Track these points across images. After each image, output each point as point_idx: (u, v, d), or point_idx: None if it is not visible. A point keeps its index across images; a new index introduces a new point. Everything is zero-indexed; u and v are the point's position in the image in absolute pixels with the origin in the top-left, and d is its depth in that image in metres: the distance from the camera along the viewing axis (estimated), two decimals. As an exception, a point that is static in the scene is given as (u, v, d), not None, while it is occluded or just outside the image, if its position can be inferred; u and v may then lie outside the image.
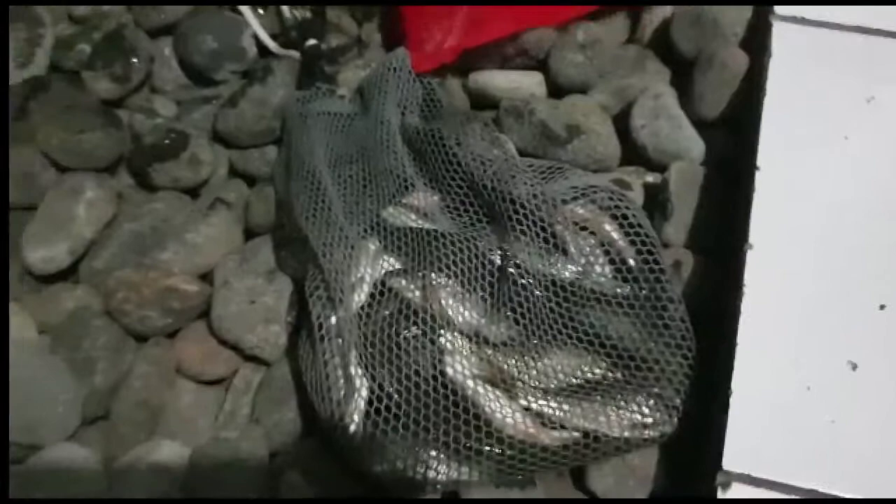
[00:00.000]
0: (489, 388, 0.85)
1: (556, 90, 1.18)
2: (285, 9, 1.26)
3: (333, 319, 0.88)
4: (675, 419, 0.86)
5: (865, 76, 0.99)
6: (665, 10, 1.23)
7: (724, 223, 1.01)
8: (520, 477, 0.85)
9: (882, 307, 0.84)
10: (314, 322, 0.88)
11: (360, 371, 0.86)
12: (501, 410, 0.84)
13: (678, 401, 0.87)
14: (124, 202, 1.14)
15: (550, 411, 0.85)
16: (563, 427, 0.85)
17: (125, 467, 0.90)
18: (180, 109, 1.24)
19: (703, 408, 0.87)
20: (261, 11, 1.28)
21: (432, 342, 0.87)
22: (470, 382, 0.85)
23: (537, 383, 0.87)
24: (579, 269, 0.92)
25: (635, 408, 0.86)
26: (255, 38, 1.25)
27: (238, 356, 1.01)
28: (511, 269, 0.90)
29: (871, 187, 0.91)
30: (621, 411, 0.86)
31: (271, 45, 1.24)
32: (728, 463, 0.76)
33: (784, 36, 1.02)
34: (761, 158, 0.93)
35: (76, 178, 1.11)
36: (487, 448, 0.83)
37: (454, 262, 0.90)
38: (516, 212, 0.91)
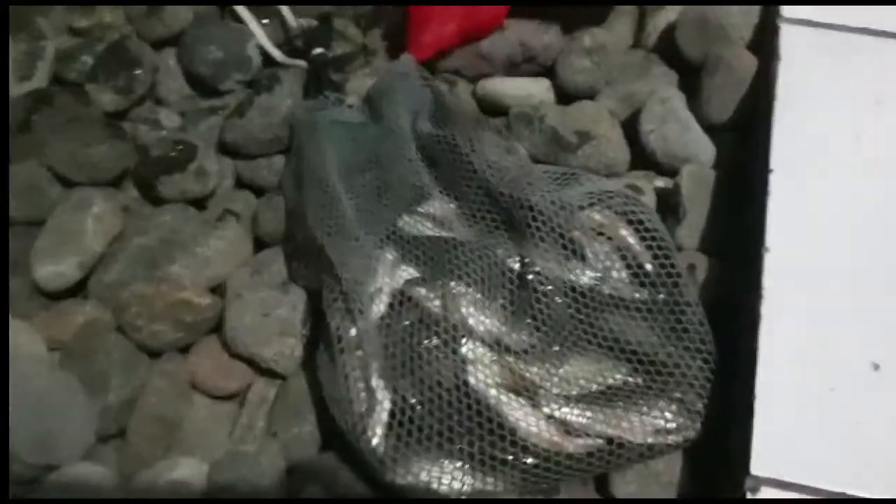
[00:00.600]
0: (513, 396, 0.85)
1: (564, 96, 1.18)
2: (290, 18, 1.25)
3: (353, 331, 0.87)
4: (698, 424, 0.86)
5: (874, 78, 0.99)
6: (669, 15, 1.23)
7: (735, 226, 1.02)
8: (545, 486, 0.85)
9: (903, 307, 0.84)
10: (333, 334, 0.87)
11: (381, 383, 0.85)
12: (526, 419, 0.83)
13: (700, 405, 0.86)
14: (130, 216, 1.13)
15: (574, 419, 0.85)
16: (586, 434, 0.84)
17: (144, 485, 0.88)
18: (185, 121, 1.23)
19: (723, 411, 0.87)
20: (264, 21, 1.28)
21: (454, 352, 0.86)
22: (493, 391, 0.85)
23: (559, 391, 0.87)
24: (597, 274, 0.92)
25: (658, 413, 0.86)
26: (260, 47, 1.24)
27: (252, 370, 1.00)
28: (530, 277, 0.90)
29: (886, 188, 0.91)
30: (644, 417, 0.85)
31: (276, 54, 1.23)
32: (756, 467, 0.76)
33: (792, 38, 1.03)
34: (774, 161, 0.94)
35: (84, 192, 1.09)
36: (513, 458, 0.83)
37: (474, 270, 0.90)
38: (534, 218, 0.91)
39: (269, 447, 0.91)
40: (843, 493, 0.75)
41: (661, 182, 1.10)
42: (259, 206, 1.13)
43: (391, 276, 0.92)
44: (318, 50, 1.19)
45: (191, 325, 0.99)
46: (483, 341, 0.88)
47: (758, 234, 0.90)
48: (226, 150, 1.18)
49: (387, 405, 0.85)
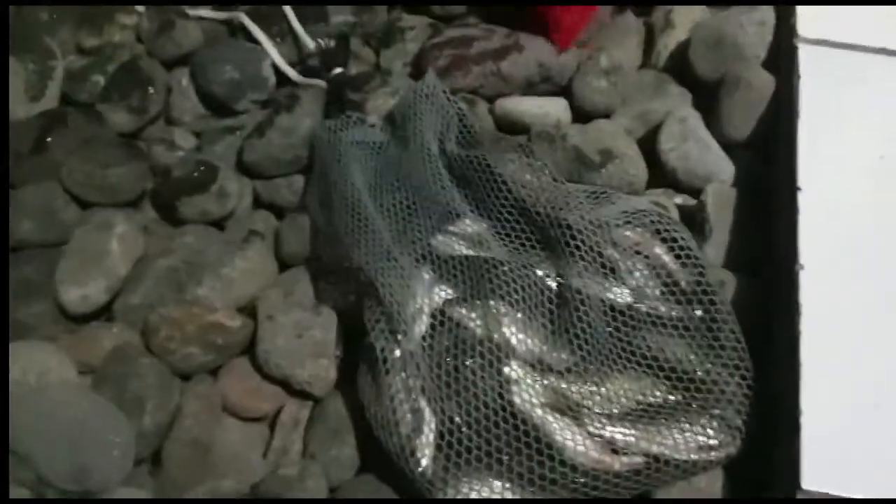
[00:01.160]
0: (557, 416, 0.85)
1: (581, 115, 1.20)
2: (305, 37, 1.25)
3: (398, 352, 0.87)
4: (738, 440, 0.87)
5: (893, 97, 1.02)
6: (679, 34, 1.26)
7: (758, 242, 1.03)
8: (590, 504, 0.85)
9: (937, 321, 0.86)
10: (378, 356, 0.87)
11: (427, 404, 0.85)
12: (573, 438, 0.84)
13: (739, 421, 0.88)
14: (151, 237, 1.11)
15: (618, 437, 0.85)
16: (631, 452, 0.85)
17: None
18: (201, 141, 1.22)
19: (761, 427, 0.88)
20: (278, 40, 1.27)
21: (498, 372, 0.86)
22: (539, 411, 0.85)
23: (602, 409, 0.88)
24: (634, 292, 0.93)
25: (700, 430, 0.87)
26: (275, 67, 1.24)
27: (284, 391, 0.99)
28: (569, 296, 0.91)
29: (913, 205, 0.93)
30: (687, 434, 0.86)
31: (292, 73, 1.23)
32: (807, 483, 0.77)
33: (811, 58, 1.05)
34: (802, 180, 0.95)
35: (105, 214, 1.09)
36: (561, 477, 0.83)
37: (514, 289, 0.90)
38: (573, 237, 0.92)
39: (310, 469, 0.90)
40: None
41: (679, 199, 1.11)
42: (282, 226, 1.12)
43: (429, 296, 0.92)
44: (338, 69, 1.19)
45: (221, 347, 0.99)
46: (525, 361, 0.88)
47: (790, 252, 0.92)
48: (244, 170, 1.18)
49: (434, 426, 0.85)
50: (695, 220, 1.06)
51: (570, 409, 0.86)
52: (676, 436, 0.86)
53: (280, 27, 1.29)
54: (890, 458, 0.79)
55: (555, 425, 0.85)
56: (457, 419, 0.85)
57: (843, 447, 0.79)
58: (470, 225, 0.98)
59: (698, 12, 1.26)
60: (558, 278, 0.93)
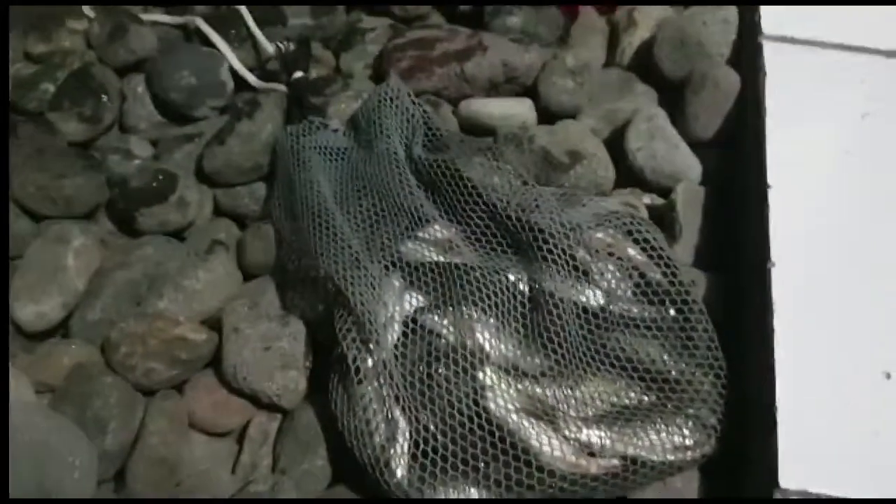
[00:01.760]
0: (533, 420, 0.84)
1: (547, 116, 1.19)
2: (265, 42, 1.23)
3: (370, 362, 0.85)
4: (714, 440, 0.86)
5: (857, 92, 1.03)
6: (642, 33, 1.26)
7: (728, 241, 1.03)
8: (568, 509, 0.84)
9: (908, 315, 0.86)
10: (351, 366, 0.85)
11: (401, 413, 0.84)
12: (549, 443, 0.82)
13: (714, 421, 0.87)
14: (108, 249, 1.08)
15: (595, 440, 0.84)
16: (607, 455, 0.84)
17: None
18: (159, 149, 1.19)
19: (736, 426, 0.88)
20: (236, 44, 1.25)
21: (473, 378, 0.85)
22: (514, 416, 0.84)
23: (577, 412, 0.87)
24: (607, 295, 0.92)
25: (675, 430, 0.86)
26: (233, 72, 1.22)
27: (252, 405, 0.96)
28: (542, 299, 0.90)
29: (881, 200, 0.94)
30: (662, 435, 0.85)
31: (251, 78, 1.21)
32: (784, 480, 0.77)
33: (776, 55, 1.06)
34: (771, 177, 0.95)
35: (61, 227, 1.05)
36: (538, 483, 0.82)
37: (486, 295, 0.89)
38: (545, 241, 0.91)
39: (282, 485, 0.87)
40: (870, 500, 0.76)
41: (648, 199, 1.11)
42: (246, 235, 1.10)
43: (401, 303, 0.91)
44: (299, 74, 1.16)
45: (186, 361, 0.96)
46: (499, 366, 0.87)
47: (761, 249, 0.91)
48: (205, 178, 1.15)
49: (408, 435, 0.83)
50: (664, 219, 1.06)
51: (545, 414, 0.85)
52: (652, 437, 0.85)
53: (238, 31, 1.27)
54: (865, 453, 0.78)
55: (530, 430, 0.83)
56: (431, 427, 0.83)
57: (819, 444, 0.79)
58: (439, 230, 0.96)
59: (661, 10, 1.25)
60: (530, 282, 0.92)
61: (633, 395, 0.89)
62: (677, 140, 1.10)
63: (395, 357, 0.87)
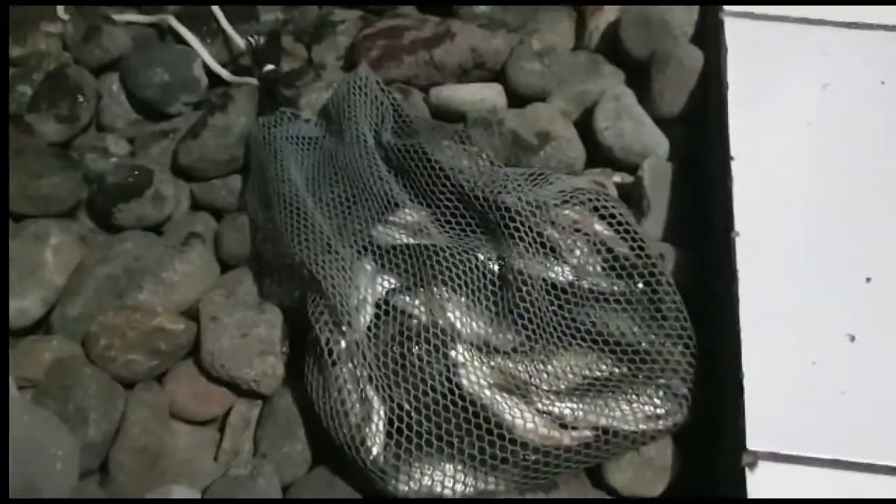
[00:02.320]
0: (506, 395, 0.86)
1: (517, 99, 1.20)
2: (235, 36, 1.24)
3: (343, 344, 0.87)
4: (685, 408, 0.88)
5: (816, 64, 1.05)
6: (608, 16, 1.27)
7: (695, 214, 1.05)
8: (544, 480, 0.86)
9: (868, 280, 0.88)
10: (324, 348, 0.86)
11: (375, 393, 0.85)
12: (522, 416, 0.84)
13: (685, 389, 0.89)
14: (88, 245, 1.09)
15: (567, 412, 0.86)
16: (580, 426, 0.86)
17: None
18: (135, 146, 1.20)
19: (707, 394, 0.89)
20: (208, 40, 1.26)
21: (444, 356, 0.86)
22: (487, 392, 0.85)
23: (549, 386, 0.88)
24: (575, 270, 0.94)
25: (647, 400, 0.88)
26: (206, 67, 1.23)
27: (232, 392, 0.98)
28: (511, 277, 0.91)
29: (841, 168, 0.96)
30: (634, 405, 0.87)
31: (224, 73, 1.22)
32: (752, 443, 0.78)
33: (736, 31, 1.07)
34: (734, 149, 0.97)
35: (39, 225, 1.06)
36: (511, 455, 0.83)
37: (456, 274, 0.90)
38: (512, 220, 0.92)
39: (263, 469, 0.89)
40: (837, 461, 0.77)
41: (618, 177, 1.13)
42: (222, 227, 1.11)
43: (373, 286, 0.92)
44: (270, 66, 1.18)
45: (165, 352, 0.97)
46: (471, 344, 0.88)
47: (725, 220, 0.93)
48: (181, 173, 1.17)
49: (383, 414, 0.85)
50: (632, 196, 1.07)
51: (517, 388, 0.86)
52: (624, 407, 0.87)
53: (209, 27, 1.28)
54: (831, 414, 0.80)
55: (503, 405, 0.85)
56: (406, 406, 0.85)
57: (786, 406, 0.81)
58: (409, 214, 0.98)
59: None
60: (500, 261, 0.93)
61: (604, 367, 0.91)
62: (644, 118, 1.12)
63: (369, 338, 0.89)
